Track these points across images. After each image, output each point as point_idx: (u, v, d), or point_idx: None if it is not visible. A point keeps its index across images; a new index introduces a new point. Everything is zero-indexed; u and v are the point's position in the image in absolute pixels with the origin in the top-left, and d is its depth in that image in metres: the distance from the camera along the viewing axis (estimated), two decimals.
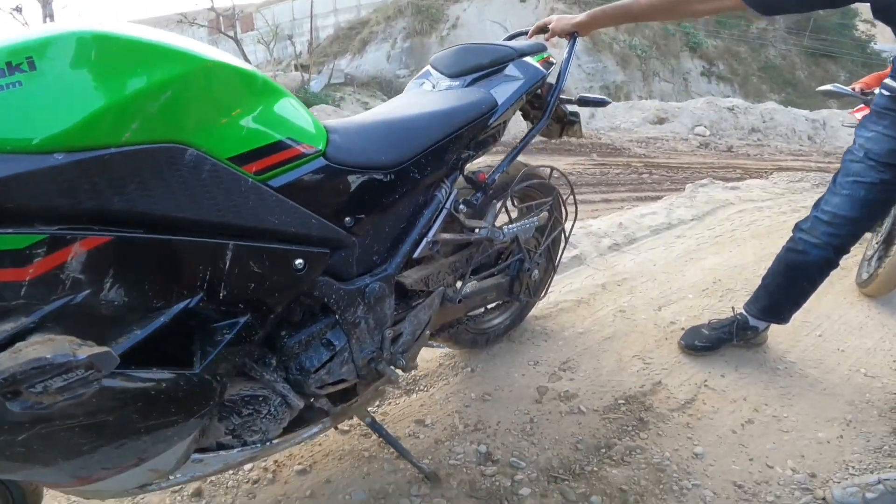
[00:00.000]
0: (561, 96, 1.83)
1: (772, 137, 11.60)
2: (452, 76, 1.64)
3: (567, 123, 1.94)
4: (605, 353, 2.37)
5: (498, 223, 1.79)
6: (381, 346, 1.31)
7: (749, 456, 1.82)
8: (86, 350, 0.66)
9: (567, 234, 2.25)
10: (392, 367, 1.35)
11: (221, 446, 1.10)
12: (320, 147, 1.02)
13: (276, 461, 1.77)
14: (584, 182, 7.23)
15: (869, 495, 1.56)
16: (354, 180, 1.08)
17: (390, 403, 2.08)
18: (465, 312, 1.89)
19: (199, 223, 0.83)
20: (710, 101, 12.51)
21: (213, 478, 1.66)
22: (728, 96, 16.32)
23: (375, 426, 1.59)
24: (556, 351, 2.39)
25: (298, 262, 0.96)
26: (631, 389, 2.12)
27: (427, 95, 1.57)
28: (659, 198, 4.96)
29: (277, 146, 0.93)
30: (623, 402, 2.05)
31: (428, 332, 1.56)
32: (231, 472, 1.70)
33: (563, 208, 2.15)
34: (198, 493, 1.62)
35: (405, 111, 1.34)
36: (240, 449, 1.11)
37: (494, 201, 1.75)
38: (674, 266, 3.24)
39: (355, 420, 1.91)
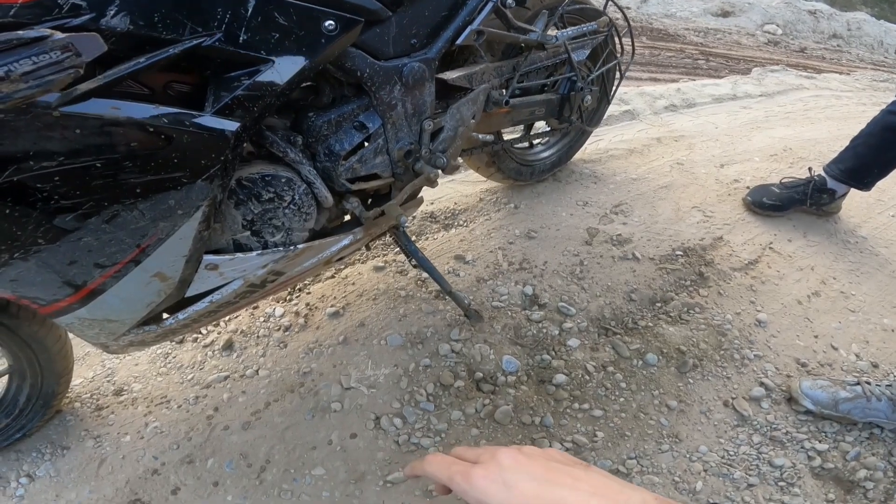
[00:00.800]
0: None
1: (854, 46, 10.30)
2: None
3: None
4: (662, 201, 2.12)
5: None
6: (420, 140, 1.19)
7: (814, 332, 1.65)
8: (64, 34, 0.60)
9: (622, 70, 1.99)
10: (430, 166, 1.21)
11: (238, 247, 0.98)
12: None
13: (308, 304, 1.60)
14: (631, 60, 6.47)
15: (842, 394, 1.39)
16: None
17: (427, 238, 1.87)
18: (512, 123, 1.68)
19: None
20: (789, 0, 10.96)
21: (243, 328, 1.53)
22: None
23: (410, 246, 1.40)
24: (607, 194, 2.15)
25: (329, 23, 0.88)
26: (690, 241, 1.90)
27: None
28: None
29: None
30: (681, 253, 1.84)
31: (470, 131, 1.38)
32: (262, 319, 1.55)
33: (618, 40, 1.94)
34: (229, 346, 1.48)
35: None
36: (259, 252, 1.00)
37: (545, 12, 1.59)
38: (738, 131, 2.89)
39: (390, 256, 1.71)
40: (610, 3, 1.83)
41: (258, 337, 1.52)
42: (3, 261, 0.75)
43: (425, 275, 1.60)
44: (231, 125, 0.81)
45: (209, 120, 0.80)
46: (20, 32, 0.59)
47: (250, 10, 0.78)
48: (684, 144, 2.65)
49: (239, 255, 0.98)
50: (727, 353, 1.53)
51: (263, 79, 0.83)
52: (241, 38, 0.79)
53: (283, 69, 0.84)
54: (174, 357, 1.47)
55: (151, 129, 0.74)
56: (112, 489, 1.20)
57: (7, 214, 0.70)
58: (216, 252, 0.96)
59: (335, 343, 1.49)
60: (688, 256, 1.83)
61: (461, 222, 1.94)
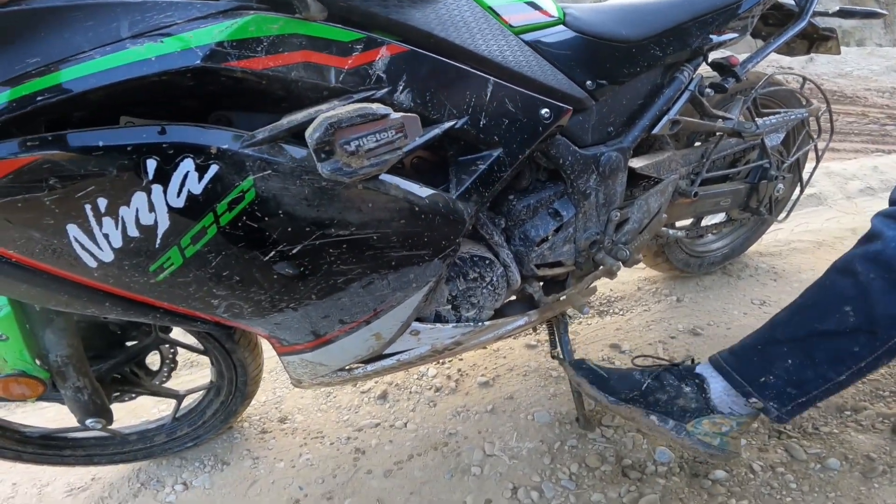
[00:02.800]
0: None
1: None
2: None
3: (819, 39, 1.65)
4: None
5: None
6: (605, 230, 1.21)
7: None
8: (397, 112, 0.71)
9: (820, 153, 1.86)
10: (612, 258, 1.21)
11: (438, 318, 1.09)
12: (559, 16, 1.08)
13: (459, 370, 1.65)
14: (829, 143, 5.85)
15: None
16: (593, 48, 1.09)
17: (581, 323, 1.87)
18: (695, 214, 1.63)
19: (469, 53, 0.89)
20: None
21: (398, 381, 1.63)
22: None
23: (564, 336, 1.38)
24: (790, 294, 1.92)
25: (545, 111, 0.97)
26: None
27: None
28: None
29: (523, 7, 1.03)
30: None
31: (657, 225, 1.36)
32: (416, 376, 1.65)
33: (817, 123, 1.82)
34: (383, 396, 1.58)
35: None
36: (454, 325, 1.09)
37: (739, 96, 1.55)
38: None
39: (542, 336, 1.73)
40: (807, 83, 1.74)
41: (411, 392, 1.59)
42: (280, 308, 0.89)
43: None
44: (470, 208, 0.94)
45: (456, 203, 0.91)
46: (372, 108, 0.71)
47: (488, 96, 0.90)
48: None
49: (438, 325, 1.07)
50: None
51: (495, 163, 0.94)
52: (481, 122, 0.90)
53: (510, 154, 0.95)
54: (335, 397, 1.59)
55: (417, 209, 0.86)
56: None
57: (300, 273, 0.84)
58: (420, 320, 1.06)
59: (483, 411, 1.51)
60: (889, 367, 1.57)
61: (617, 310, 1.90)
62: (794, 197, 1.91)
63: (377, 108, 0.71)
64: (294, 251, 0.81)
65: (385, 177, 0.82)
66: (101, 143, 0.65)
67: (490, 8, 0.96)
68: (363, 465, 1.38)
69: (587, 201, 1.14)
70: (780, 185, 1.72)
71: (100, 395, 1.10)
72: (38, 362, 1.02)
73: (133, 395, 1.30)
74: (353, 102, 0.76)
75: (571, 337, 1.78)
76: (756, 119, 1.55)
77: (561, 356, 1.39)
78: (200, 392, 1.40)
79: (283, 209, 0.76)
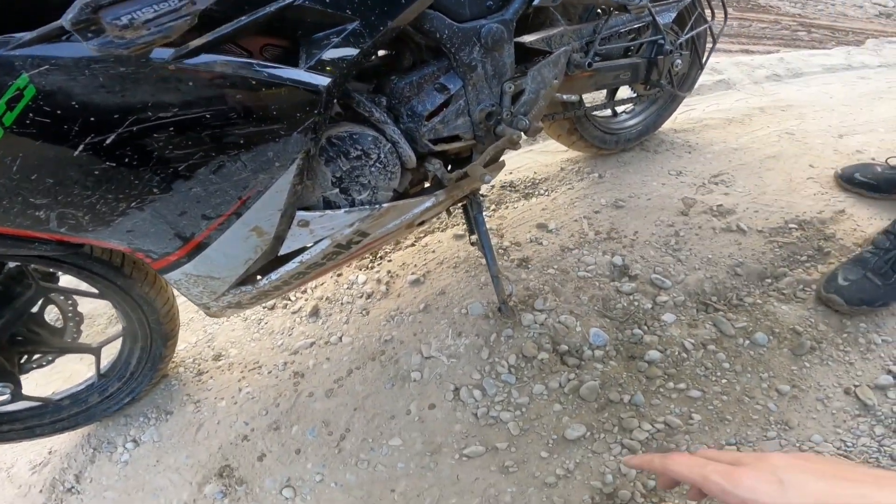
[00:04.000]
0: None
1: None
2: None
3: None
4: (770, 171, 1.92)
5: None
6: (500, 103, 1.18)
7: None
8: None
9: (715, 35, 1.87)
10: (512, 128, 1.19)
11: (327, 205, 1.02)
12: None
13: (389, 272, 1.60)
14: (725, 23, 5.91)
15: None
16: None
17: (507, 207, 1.81)
18: (596, 87, 1.61)
19: None
20: None
21: (328, 294, 1.56)
22: None
23: (479, 217, 1.35)
24: (704, 164, 1.98)
25: None
26: (806, 214, 1.70)
27: None
28: None
29: None
30: (795, 226, 1.65)
31: (553, 93, 1.33)
32: (345, 286, 1.57)
33: (708, 4, 1.84)
34: (315, 312, 1.51)
35: None
36: (347, 209, 1.03)
37: None
38: (857, 101, 2.57)
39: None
40: None
41: (342, 304, 1.53)
42: (120, 210, 0.80)
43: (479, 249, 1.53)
44: (323, 80, 0.85)
45: (304, 75, 0.84)
46: None
47: None
48: (793, 114, 2.40)
49: (328, 212, 1.01)
50: (850, 337, 1.35)
51: (350, 37, 0.86)
52: None
53: (367, 28, 0.87)
54: (266, 323, 1.52)
55: (254, 83, 0.79)
56: (206, 454, 1.25)
57: (126, 164, 0.75)
58: (306, 208, 1.00)
59: (416, 311, 1.47)
60: (803, 230, 1.64)
61: (542, 191, 1.87)
62: (697, 73, 1.95)
63: None
64: (108, 141, 0.73)
65: (206, 56, 0.74)
66: None
67: None
68: (304, 388, 1.35)
69: (474, 73, 1.10)
70: (678, 61, 1.72)
71: None
72: None
73: (49, 359, 1.21)
74: None
75: (499, 222, 1.73)
76: None
77: (479, 242, 1.37)
78: (116, 342, 1.30)
79: (77, 100, 0.68)
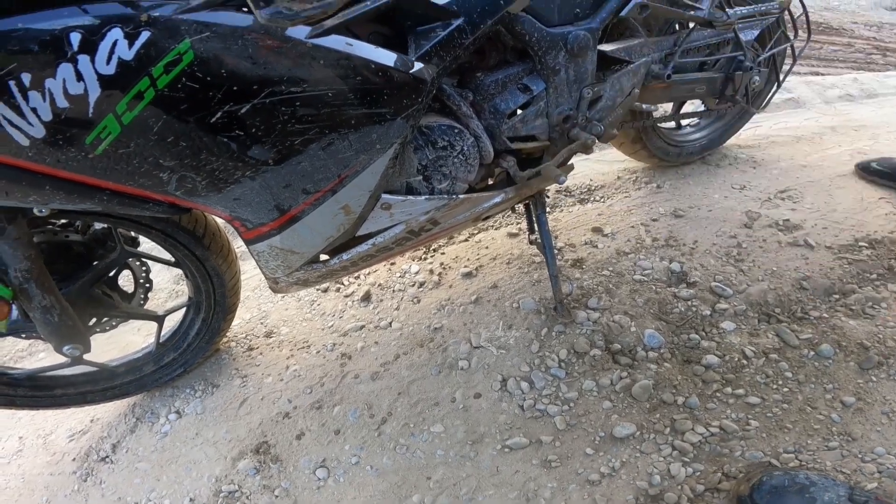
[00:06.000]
0: None
1: None
2: None
3: None
4: (841, 190, 1.84)
5: None
6: (578, 107, 1.20)
7: None
8: None
9: (796, 53, 1.82)
10: (587, 133, 1.20)
11: (410, 191, 1.07)
12: None
13: (442, 264, 1.61)
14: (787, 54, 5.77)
15: None
16: None
17: (562, 210, 1.80)
18: (670, 99, 1.59)
19: None
20: None
21: (381, 281, 1.59)
22: None
23: (542, 217, 1.37)
24: (770, 179, 1.92)
25: None
26: (878, 233, 1.62)
27: None
28: None
29: None
30: (866, 244, 1.57)
31: (631, 103, 1.34)
32: (398, 274, 1.60)
33: (791, 20, 1.78)
34: (366, 297, 1.53)
35: None
36: (427, 197, 1.07)
37: None
38: None
39: (525, 224, 1.68)
40: None
41: (394, 291, 1.55)
42: (235, 178, 0.85)
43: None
44: (430, 70, 0.91)
45: (416, 63, 0.89)
46: None
47: None
48: (867, 134, 2.30)
49: (410, 197, 1.06)
50: None
51: (455, 31, 0.91)
52: None
53: (470, 24, 0.92)
54: (318, 304, 1.55)
55: (373, 66, 0.83)
56: (246, 430, 1.27)
57: (252, 134, 0.80)
58: (391, 193, 1.04)
59: (467, 302, 1.47)
60: (874, 248, 1.57)
61: (597, 198, 1.86)
62: (772, 91, 1.88)
63: None
64: (243, 111, 0.77)
65: (336, 37, 0.79)
66: (19, 25, 0.62)
67: None
68: (350, 369, 1.36)
69: (557, 77, 1.13)
70: (756, 78, 1.69)
71: (71, 316, 1.06)
72: None
73: (113, 324, 1.25)
74: None
75: (553, 224, 1.73)
76: (727, 9, 1.48)
77: (539, 240, 1.38)
78: (181, 311, 1.34)
79: (226, 68, 0.72)
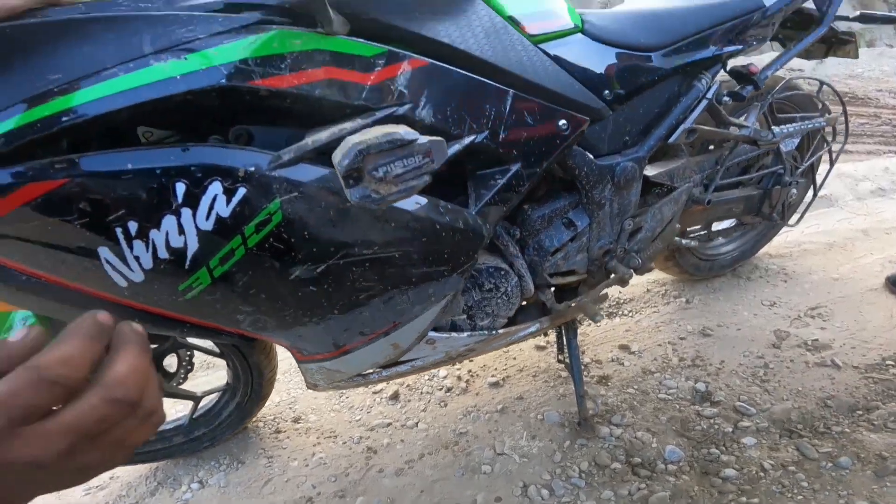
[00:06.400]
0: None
1: None
2: None
3: (838, 43, 1.63)
4: (872, 305, 1.85)
5: None
6: (618, 239, 1.21)
7: None
8: (423, 136, 0.69)
9: (834, 157, 1.82)
10: (624, 266, 1.21)
11: (454, 327, 1.10)
12: (577, 24, 1.07)
13: (469, 371, 1.67)
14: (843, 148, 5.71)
15: None
16: (611, 56, 1.09)
17: (589, 325, 1.87)
18: (707, 221, 1.63)
19: (489, 66, 0.90)
20: None
21: (409, 382, 1.65)
22: None
23: (573, 341, 1.40)
24: (801, 294, 1.95)
25: (562, 122, 0.97)
26: None
27: None
28: None
29: (542, 15, 1.01)
30: (893, 363, 1.57)
31: (670, 234, 1.36)
32: (427, 377, 1.66)
33: (833, 129, 1.78)
34: (395, 397, 1.60)
35: (663, 4, 1.28)
36: (469, 333, 1.10)
37: (755, 101, 1.52)
38: None
39: (552, 338, 1.73)
40: (824, 87, 1.70)
41: (422, 393, 1.61)
42: (303, 322, 0.90)
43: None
44: (489, 223, 0.95)
45: (476, 219, 0.92)
46: (400, 132, 0.68)
47: (508, 108, 0.90)
48: None
49: (454, 334, 1.09)
50: None
51: (514, 177, 0.94)
52: (500, 136, 0.90)
53: (528, 167, 0.95)
54: (347, 398, 1.61)
55: (438, 227, 0.87)
56: None
57: (324, 289, 0.84)
58: (436, 329, 1.07)
59: (493, 410, 1.52)
60: None
61: (626, 312, 1.91)
62: (806, 201, 1.89)
63: (405, 132, 0.69)
64: (319, 270, 0.81)
65: (413, 198, 0.82)
66: (129, 167, 0.65)
67: (510, 17, 0.95)
68: (375, 463, 1.40)
69: (601, 211, 1.14)
70: (794, 191, 1.70)
71: None
72: None
73: None
74: (378, 123, 0.75)
75: (581, 338, 1.78)
76: (773, 127, 1.51)
77: (568, 361, 1.40)
78: (216, 394, 1.43)
79: (309, 231, 0.76)
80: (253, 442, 1.50)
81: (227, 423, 1.43)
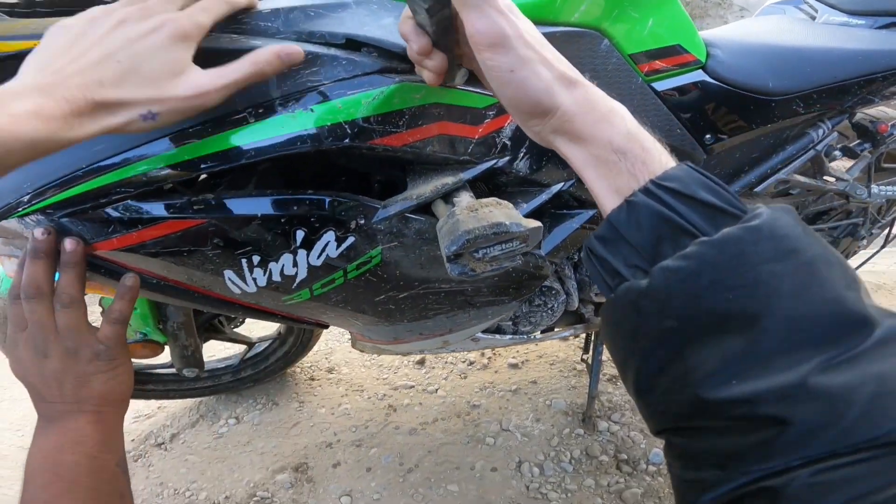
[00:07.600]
0: None
1: None
2: (852, 13, 1.26)
3: None
4: None
5: None
6: None
7: None
8: (524, 222, 0.66)
9: None
10: None
11: (498, 330, 1.15)
12: (702, 59, 0.95)
13: (493, 349, 1.80)
14: None
15: None
16: (727, 100, 0.97)
17: None
18: None
19: None
20: None
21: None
22: None
23: (600, 347, 1.46)
24: None
25: None
26: None
27: (819, 28, 1.23)
28: None
29: (669, 51, 0.90)
30: None
31: None
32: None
33: None
34: (421, 362, 1.76)
35: (800, 40, 1.11)
36: (510, 336, 1.16)
37: (866, 154, 1.32)
38: None
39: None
40: None
41: (446, 362, 1.77)
42: (375, 324, 0.96)
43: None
44: (555, 263, 0.97)
45: (545, 261, 0.93)
46: (506, 224, 0.64)
47: None
48: None
49: (497, 336, 1.15)
50: None
51: (587, 222, 0.91)
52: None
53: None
54: (378, 356, 1.79)
55: (511, 269, 0.85)
56: (291, 449, 1.48)
57: (400, 308, 0.90)
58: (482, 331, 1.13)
59: (507, 389, 1.67)
60: None
61: None
62: (872, 254, 1.68)
63: (510, 224, 0.65)
64: (401, 296, 0.87)
65: None
66: (259, 214, 0.70)
67: (630, 56, 0.86)
68: (393, 420, 1.58)
69: None
70: (864, 242, 1.53)
71: (200, 350, 1.24)
72: (159, 327, 1.20)
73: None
74: (479, 177, 0.77)
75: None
76: (872, 185, 1.31)
77: (590, 362, 1.48)
78: (268, 341, 1.59)
79: (401, 270, 0.81)
80: (289, 386, 1.68)
81: (272, 368, 1.58)
